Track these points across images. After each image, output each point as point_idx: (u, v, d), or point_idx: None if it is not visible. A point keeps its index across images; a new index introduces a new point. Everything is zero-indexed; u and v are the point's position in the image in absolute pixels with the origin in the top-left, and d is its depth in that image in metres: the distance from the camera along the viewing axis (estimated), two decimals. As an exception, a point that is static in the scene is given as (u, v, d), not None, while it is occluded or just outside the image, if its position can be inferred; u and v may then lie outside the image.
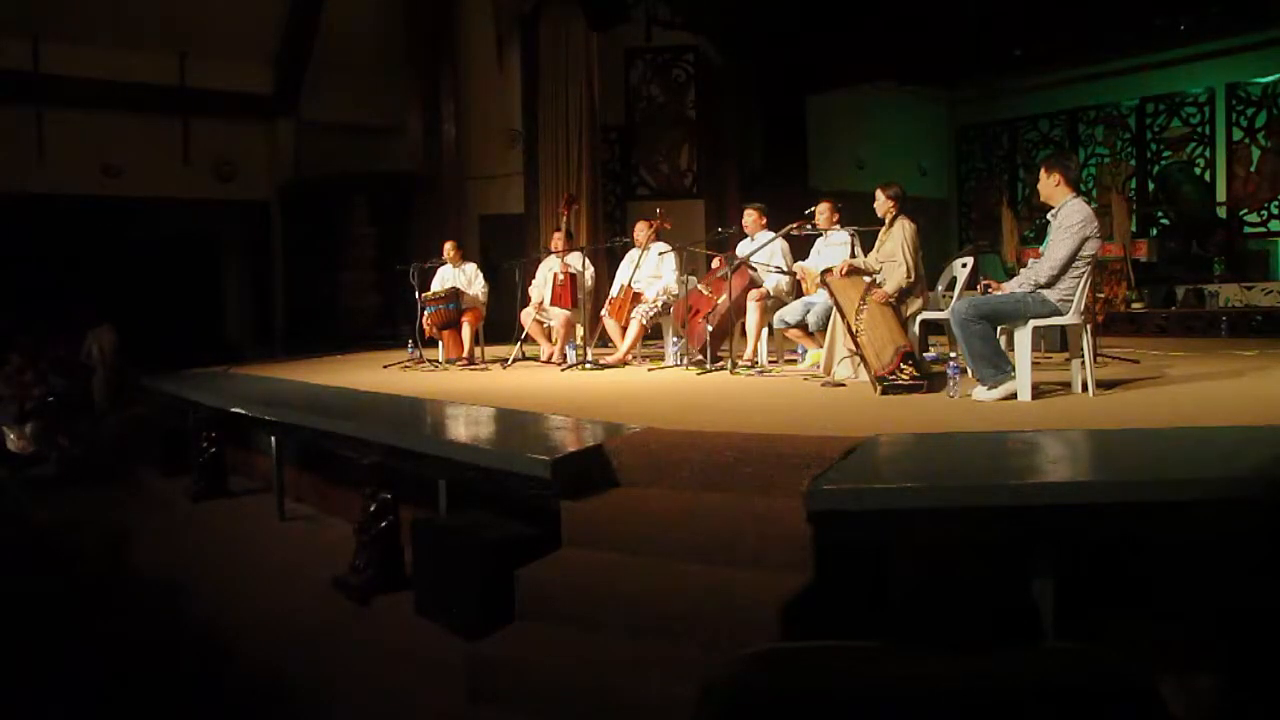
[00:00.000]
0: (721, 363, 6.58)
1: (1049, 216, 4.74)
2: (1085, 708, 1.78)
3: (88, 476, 7.26)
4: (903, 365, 5.00)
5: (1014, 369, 4.60)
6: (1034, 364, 4.73)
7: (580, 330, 7.68)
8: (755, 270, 6.75)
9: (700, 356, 6.75)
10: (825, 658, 2.03)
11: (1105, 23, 10.89)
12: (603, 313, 7.72)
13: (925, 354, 5.46)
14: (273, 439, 5.56)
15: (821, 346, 5.88)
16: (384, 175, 12.28)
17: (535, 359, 7.91)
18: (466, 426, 4.50)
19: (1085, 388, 4.77)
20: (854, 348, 5.29)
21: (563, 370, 7.11)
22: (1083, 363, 4.79)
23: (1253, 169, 12.22)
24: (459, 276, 8.35)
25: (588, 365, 7.11)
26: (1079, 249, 4.53)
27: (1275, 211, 12.01)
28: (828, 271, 5.71)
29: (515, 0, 11.68)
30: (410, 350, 8.12)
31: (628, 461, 3.55)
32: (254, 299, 13.24)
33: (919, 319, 5.61)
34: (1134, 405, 4.56)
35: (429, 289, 8.28)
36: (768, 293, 6.77)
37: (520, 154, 11.77)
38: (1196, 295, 10.83)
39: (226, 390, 6.54)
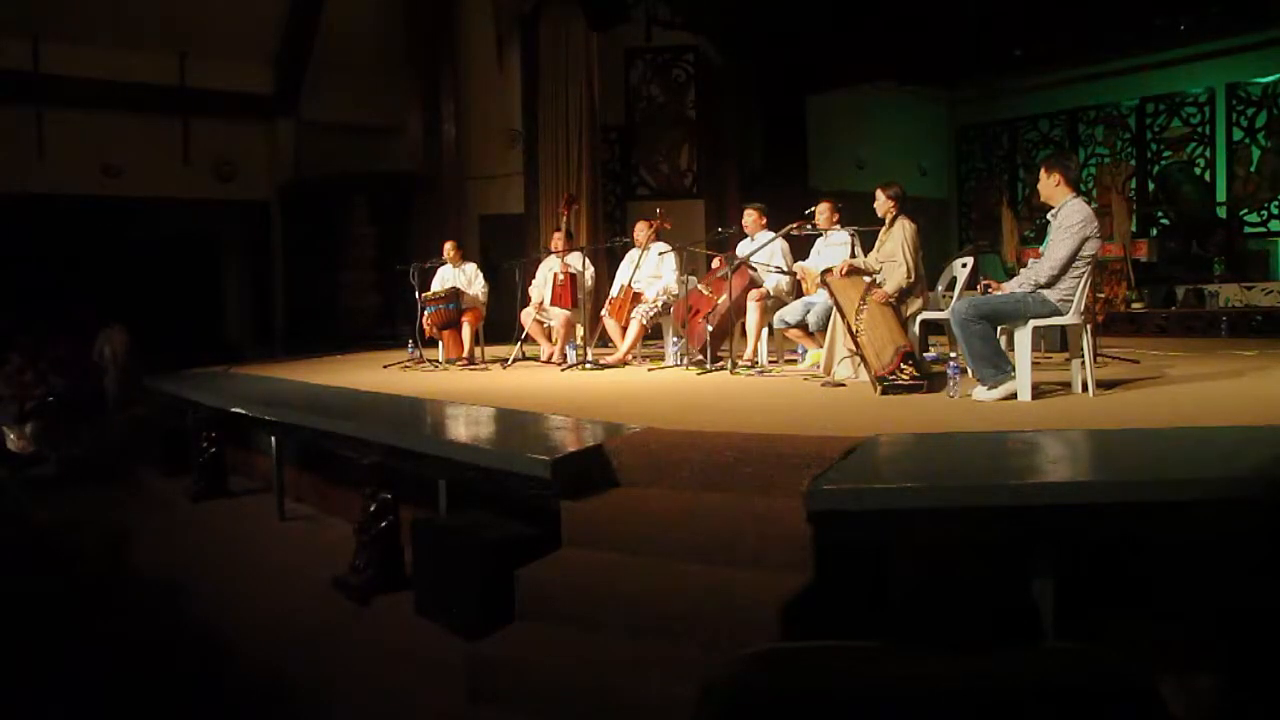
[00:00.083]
0: (721, 363, 6.58)
1: (1049, 216, 4.74)
2: (1085, 708, 1.78)
3: (88, 476, 7.26)
4: (903, 365, 5.00)
5: (1014, 369, 4.60)
6: (1034, 364, 4.73)
7: (580, 330, 7.68)
8: (755, 270, 6.75)
9: (700, 356, 6.75)
10: (825, 658, 2.03)
11: (1105, 23, 10.89)
12: (603, 313, 7.72)
13: (925, 354, 5.46)
14: (273, 439, 5.56)
15: (821, 346, 5.88)
16: (384, 175, 12.28)
17: (535, 359, 7.90)
18: (466, 426, 4.50)
19: (1085, 388, 4.77)
20: (854, 348, 5.29)
21: (563, 370, 7.11)
22: (1083, 363, 4.79)
23: (1253, 169, 12.22)
24: (459, 276, 8.35)
25: (588, 365, 7.11)
26: (1079, 249, 4.53)
27: (1275, 211, 12.01)
28: (828, 271, 5.71)
29: (515, 0, 11.69)
30: (410, 350, 8.12)
31: (628, 461, 3.55)
32: (254, 299, 13.24)
33: (919, 319, 5.61)
34: (1134, 405, 4.56)
35: (429, 289, 8.28)
36: (768, 293, 6.77)
37: (520, 154, 11.77)
38: (1196, 295, 10.83)
39: (226, 390, 6.54)
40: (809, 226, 6.58)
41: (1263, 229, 12.09)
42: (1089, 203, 4.90)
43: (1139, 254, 11.39)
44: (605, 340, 7.97)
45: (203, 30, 11.42)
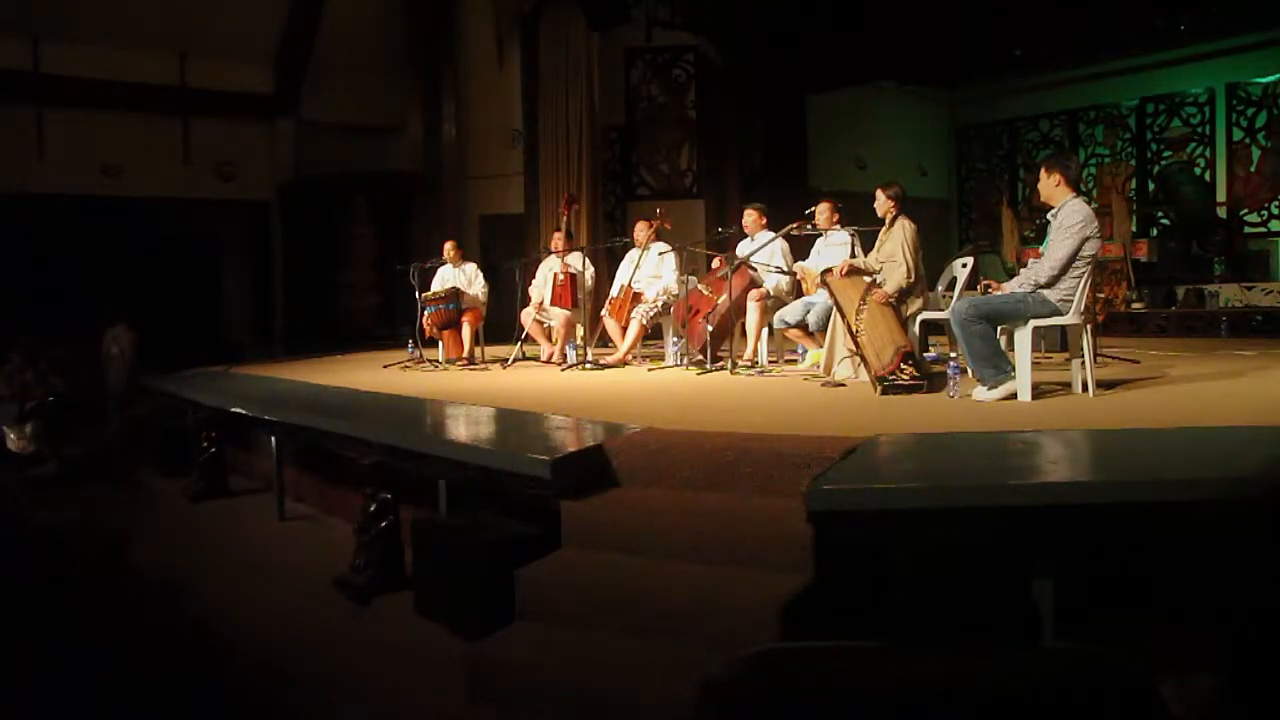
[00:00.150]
0: (721, 363, 6.58)
1: (1049, 216, 4.73)
2: (1085, 708, 1.78)
3: (88, 476, 7.26)
4: (903, 365, 5.00)
5: (1014, 369, 4.60)
6: (1034, 364, 4.73)
7: (580, 330, 7.69)
8: (755, 270, 6.75)
9: (700, 356, 6.75)
10: (825, 658, 2.02)
11: (1105, 23, 10.89)
12: (603, 313, 7.72)
13: (925, 354, 5.46)
14: (273, 439, 5.56)
15: (821, 346, 5.88)
16: (384, 175, 12.29)
17: (535, 359, 7.91)
18: (466, 426, 4.50)
19: (1085, 388, 4.77)
20: (854, 348, 5.29)
21: (563, 370, 7.11)
22: (1083, 363, 4.79)
23: (1253, 169, 12.22)
24: (459, 276, 8.36)
25: (588, 365, 7.11)
26: (1079, 249, 4.53)
27: (1275, 211, 12.01)
28: (828, 271, 5.71)
29: (515, 0, 11.69)
30: (410, 350, 8.12)
31: (628, 461, 3.55)
32: (254, 299, 13.23)
33: (919, 319, 5.61)
34: (1134, 405, 4.56)
35: (429, 289, 8.28)
36: (768, 293, 6.77)
37: (520, 154, 11.77)
38: (1196, 295, 10.83)
39: (226, 390, 6.54)
40: (809, 226, 6.58)
41: (1263, 229, 12.08)
42: (1089, 203, 4.90)
43: (1139, 254, 11.40)
44: (605, 340, 7.97)
45: (203, 30, 11.41)
